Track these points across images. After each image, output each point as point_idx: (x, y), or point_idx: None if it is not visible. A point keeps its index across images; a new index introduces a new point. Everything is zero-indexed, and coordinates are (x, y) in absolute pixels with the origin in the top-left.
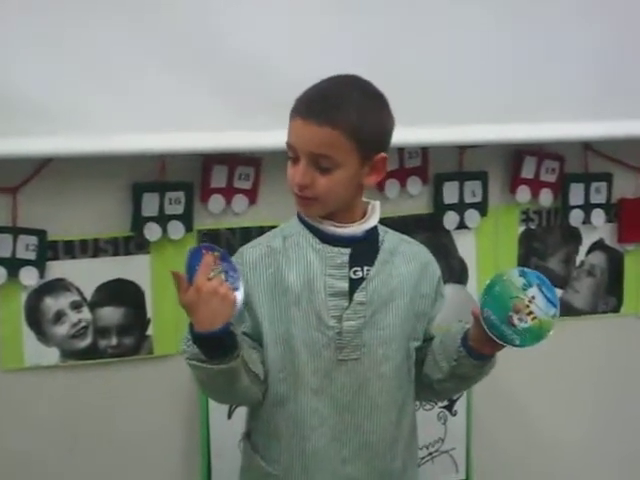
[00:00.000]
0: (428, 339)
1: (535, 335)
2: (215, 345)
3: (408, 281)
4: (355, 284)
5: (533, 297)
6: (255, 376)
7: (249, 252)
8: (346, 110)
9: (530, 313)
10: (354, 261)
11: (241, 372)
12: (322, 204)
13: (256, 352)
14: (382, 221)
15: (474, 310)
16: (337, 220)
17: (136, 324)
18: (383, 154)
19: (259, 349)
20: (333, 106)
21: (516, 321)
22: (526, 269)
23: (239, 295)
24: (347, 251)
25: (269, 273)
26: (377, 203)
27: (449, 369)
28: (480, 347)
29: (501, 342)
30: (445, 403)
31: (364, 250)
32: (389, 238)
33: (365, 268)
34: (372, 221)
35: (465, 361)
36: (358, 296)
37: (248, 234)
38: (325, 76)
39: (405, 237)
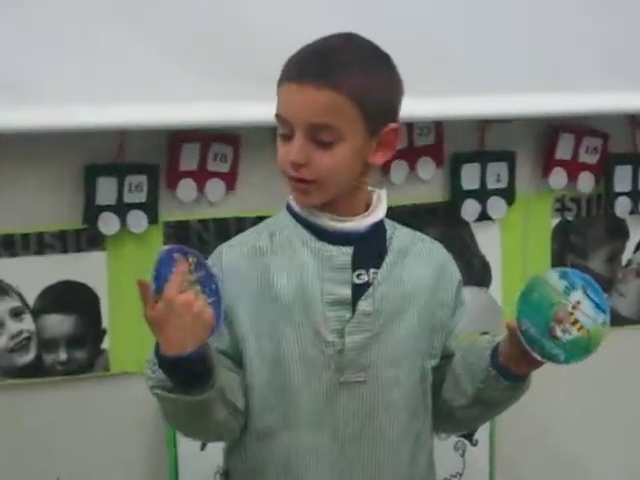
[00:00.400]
0: (447, 356)
1: (583, 348)
2: (185, 372)
3: (423, 287)
4: (359, 291)
5: (578, 302)
6: (234, 408)
7: (229, 253)
8: (350, 70)
9: (575, 322)
10: (358, 262)
11: (216, 404)
12: (323, 188)
13: (235, 376)
14: (387, 211)
15: (509, 323)
16: (336, 212)
17: (89, 335)
18: (393, 125)
19: (238, 372)
20: (334, 66)
21: (559, 333)
22: (567, 269)
23: (218, 311)
24: (349, 250)
25: (254, 278)
26: (383, 192)
27: (474, 393)
28: (515, 366)
29: (543, 359)
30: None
31: (369, 249)
32: (399, 235)
33: (371, 271)
34: (378, 213)
35: (495, 383)
36: (363, 305)
37: (225, 227)
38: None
39: (418, 234)
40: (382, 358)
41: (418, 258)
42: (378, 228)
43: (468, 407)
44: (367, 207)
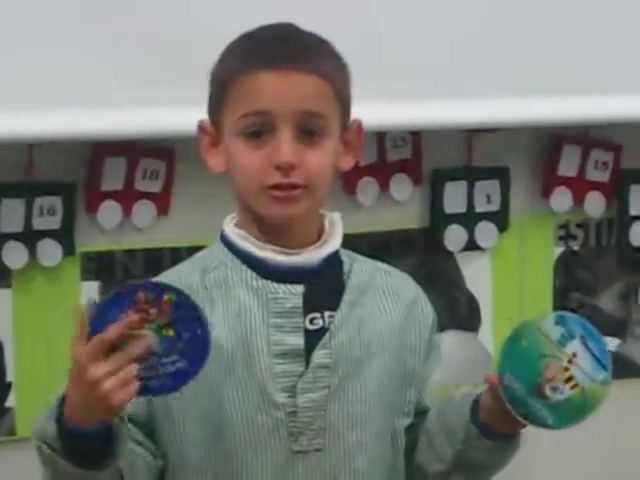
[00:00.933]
0: (421, 413)
1: (576, 411)
2: (80, 443)
3: (389, 329)
4: (313, 339)
5: (574, 354)
6: None
7: None
8: (320, 54)
9: (569, 379)
10: (310, 304)
11: None
12: (311, 195)
13: (143, 452)
14: (354, 239)
15: (489, 377)
16: (284, 242)
17: None
18: (358, 121)
19: (148, 445)
20: (307, 48)
21: (548, 391)
22: (565, 314)
23: (193, 367)
24: (300, 289)
25: None
26: (337, 215)
27: (454, 456)
28: (496, 423)
29: (527, 422)
30: None
31: (324, 287)
32: (358, 267)
33: (327, 314)
34: (333, 242)
35: (477, 443)
36: (318, 356)
37: (156, 259)
38: None
39: (380, 264)
40: (343, 420)
41: (382, 295)
42: (333, 261)
43: (447, 473)
44: (319, 235)
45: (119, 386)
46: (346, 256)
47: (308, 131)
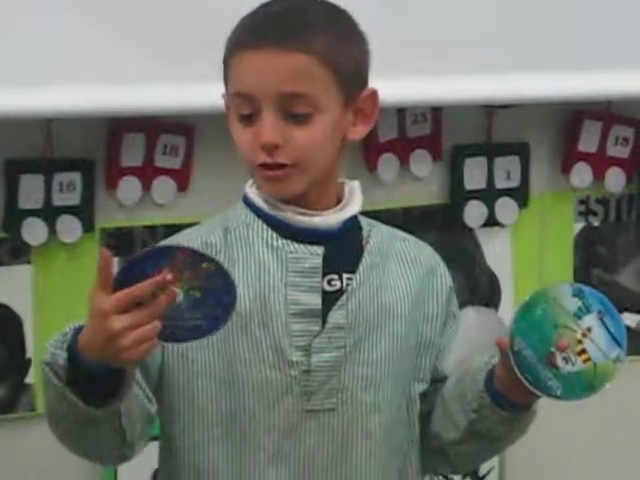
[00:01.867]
0: (438, 380)
1: (586, 385)
2: (88, 377)
3: (406, 295)
4: (330, 300)
5: (589, 329)
6: (122, 437)
7: None
8: (315, 28)
9: (582, 352)
10: (329, 266)
11: (104, 424)
12: (303, 172)
13: (140, 395)
14: (374, 214)
15: (500, 340)
16: (303, 205)
17: (11, 367)
18: (370, 89)
19: (144, 388)
20: (297, 25)
21: (559, 361)
22: (585, 287)
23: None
24: (320, 250)
25: None
26: (356, 183)
27: (467, 425)
28: (510, 393)
29: (535, 389)
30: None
31: (343, 250)
32: (377, 234)
33: (345, 276)
34: (352, 207)
35: (490, 413)
36: (334, 317)
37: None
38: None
39: (400, 232)
40: (358, 381)
41: (400, 261)
42: (352, 225)
43: (461, 442)
44: (338, 201)
45: (138, 342)
46: (366, 222)
47: (294, 112)
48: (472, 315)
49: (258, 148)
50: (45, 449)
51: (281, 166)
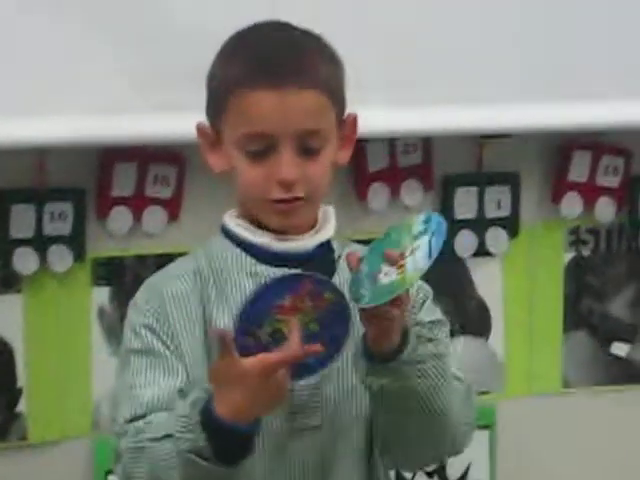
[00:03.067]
0: None
1: (385, 292)
2: (234, 442)
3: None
4: None
5: (417, 247)
6: None
7: (171, 285)
8: (316, 61)
9: (401, 267)
10: None
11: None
12: (312, 204)
13: None
14: (365, 244)
15: (349, 254)
16: (280, 231)
17: (2, 396)
18: (352, 114)
19: None
20: (303, 60)
21: (381, 276)
22: (434, 214)
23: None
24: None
25: (200, 311)
26: (330, 208)
27: (369, 392)
28: (370, 341)
29: (354, 301)
30: None
31: (318, 271)
32: (347, 251)
33: None
34: (327, 231)
35: (364, 371)
36: None
37: (167, 264)
38: None
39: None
40: (339, 393)
41: None
42: (326, 247)
43: (376, 414)
44: (313, 225)
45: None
46: (338, 244)
47: (309, 147)
48: (463, 345)
49: (273, 184)
50: (35, 478)
51: (295, 199)
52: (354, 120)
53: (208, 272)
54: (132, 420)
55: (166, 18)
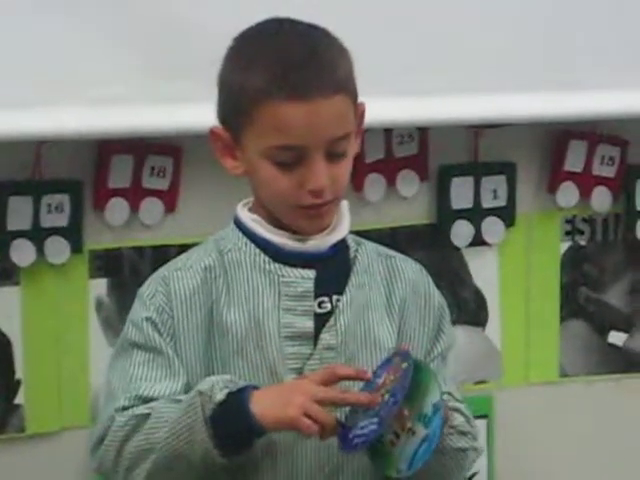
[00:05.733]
0: None
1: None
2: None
3: (393, 313)
4: (320, 321)
5: (414, 433)
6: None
7: (180, 280)
8: (334, 63)
9: (397, 437)
10: (320, 288)
11: (200, 469)
12: (337, 204)
13: None
14: (362, 235)
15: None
16: (292, 229)
17: (0, 388)
18: (362, 104)
19: None
20: (323, 64)
21: (390, 436)
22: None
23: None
24: (312, 274)
25: (204, 308)
26: (345, 203)
27: None
28: None
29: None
30: None
31: (332, 272)
32: (363, 252)
33: (334, 298)
34: (342, 230)
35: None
36: (325, 338)
37: (164, 256)
38: None
39: (386, 250)
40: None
41: (386, 279)
42: (341, 246)
43: None
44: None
45: (314, 418)
46: (352, 241)
47: (336, 152)
48: (459, 335)
49: (303, 191)
50: (34, 470)
51: (326, 204)
52: (363, 110)
53: (219, 268)
54: (125, 410)
55: (162, 10)
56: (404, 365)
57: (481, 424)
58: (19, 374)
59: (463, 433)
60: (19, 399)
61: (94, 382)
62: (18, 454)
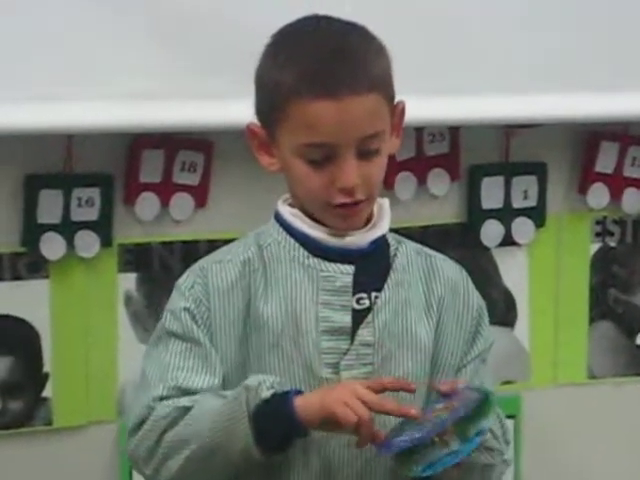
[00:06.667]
0: None
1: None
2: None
3: (431, 312)
4: (358, 318)
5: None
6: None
7: (218, 272)
8: (368, 62)
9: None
10: (358, 284)
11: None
12: (370, 204)
13: None
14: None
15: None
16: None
17: (28, 381)
18: (401, 102)
19: None
20: (356, 62)
21: (439, 441)
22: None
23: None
24: (350, 269)
25: (241, 302)
26: (386, 201)
27: None
28: None
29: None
30: None
31: (371, 268)
32: (403, 250)
33: (373, 294)
34: (382, 227)
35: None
36: (362, 334)
37: (193, 251)
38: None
39: (426, 249)
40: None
41: (426, 278)
42: (381, 243)
43: None
44: (368, 219)
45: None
46: (393, 239)
47: (368, 150)
48: None
49: (334, 189)
50: (61, 463)
51: (357, 202)
52: (403, 108)
53: (258, 262)
54: (162, 399)
55: (196, 5)
56: (474, 395)
57: (508, 424)
58: (47, 367)
59: (490, 449)
60: (47, 392)
61: (122, 376)
62: (45, 447)
